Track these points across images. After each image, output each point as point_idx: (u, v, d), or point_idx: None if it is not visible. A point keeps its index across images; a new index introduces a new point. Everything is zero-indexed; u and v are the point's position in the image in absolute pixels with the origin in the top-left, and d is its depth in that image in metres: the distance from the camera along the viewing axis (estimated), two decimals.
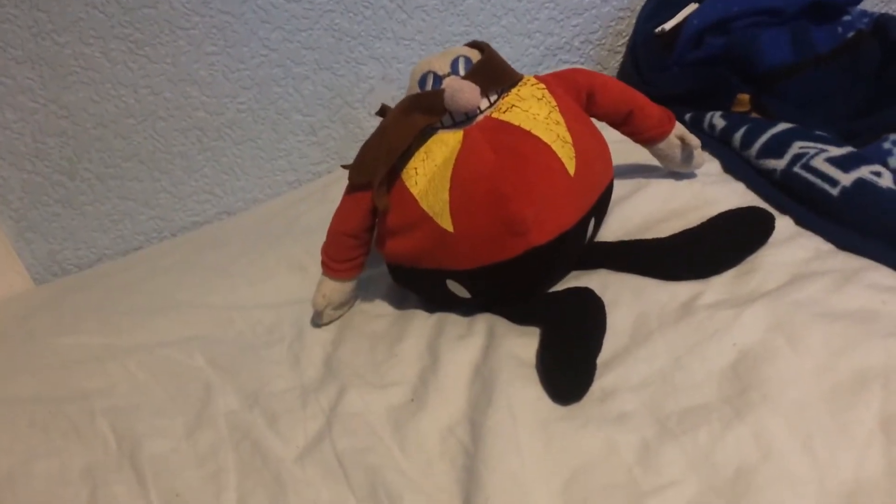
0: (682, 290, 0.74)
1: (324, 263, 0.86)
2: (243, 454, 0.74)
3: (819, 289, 0.70)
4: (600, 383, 0.68)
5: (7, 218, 1.13)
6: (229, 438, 0.77)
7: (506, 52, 1.21)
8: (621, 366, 0.69)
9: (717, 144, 0.97)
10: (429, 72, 0.78)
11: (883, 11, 1.12)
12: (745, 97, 1.03)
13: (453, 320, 0.81)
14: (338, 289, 0.86)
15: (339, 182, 0.88)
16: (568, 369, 0.69)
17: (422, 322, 0.83)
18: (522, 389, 0.68)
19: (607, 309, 0.74)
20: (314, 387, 0.80)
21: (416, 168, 0.77)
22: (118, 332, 0.99)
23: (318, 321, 0.89)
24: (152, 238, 1.21)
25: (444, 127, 0.78)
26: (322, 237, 0.87)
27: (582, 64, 1.30)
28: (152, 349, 0.94)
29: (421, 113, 0.77)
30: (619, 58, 1.32)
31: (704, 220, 0.82)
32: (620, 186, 0.90)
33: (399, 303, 0.88)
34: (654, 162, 0.92)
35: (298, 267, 1.01)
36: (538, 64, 1.27)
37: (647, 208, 0.88)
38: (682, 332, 0.69)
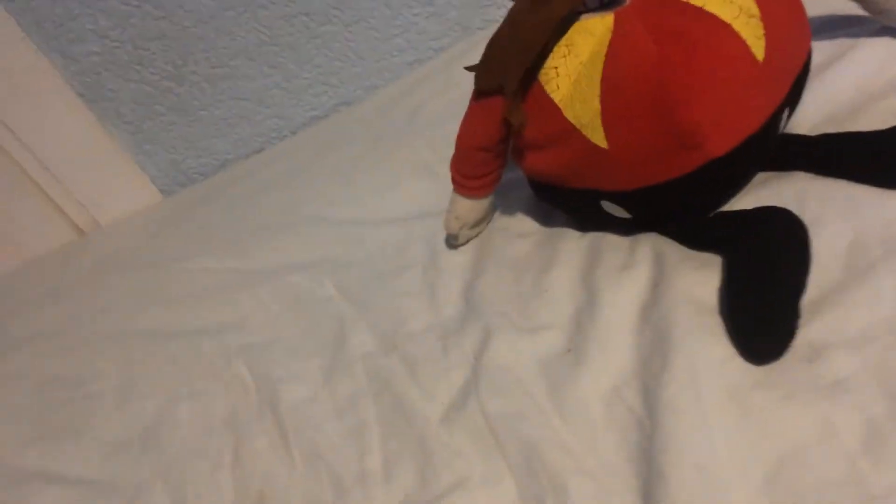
0: None
1: (454, 180, 0.74)
2: (384, 409, 0.68)
3: None
4: (806, 335, 0.54)
5: (123, 132, 1.08)
6: (369, 388, 0.70)
7: None
8: (834, 311, 0.54)
9: None
10: None
11: None
12: None
13: (611, 243, 0.68)
14: (473, 207, 0.75)
15: (463, 58, 0.73)
16: (762, 317, 0.55)
17: (573, 244, 0.71)
18: (705, 346, 0.55)
19: (810, 231, 0.59)
20: (455, 327, 0.71)
21: (556, 67, 0.62)
22: (245, 254, 0.94)
23: (452, 242, 0.79)
24: (272, 138, 1.13)
25: (588, 10, 0.61)
26: (448, 130, 0.74)
27: None
28: (281, 275, 0.88)
29: None
30: None
31: None
32: (818, 51, 0.71)
33: (544, 218, 0.76)
34: (861, 12, 0.71)
35: (425, 169, 0.91)
36: None
37: (855, 81, 0.68)
38: None
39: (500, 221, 0.79)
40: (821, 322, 0.54)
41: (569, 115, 0.61)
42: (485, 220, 0.78)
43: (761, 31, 0.57)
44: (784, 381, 0.52)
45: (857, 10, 0.71)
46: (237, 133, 1.11)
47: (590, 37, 0.60)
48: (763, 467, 0.49)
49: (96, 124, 1.06)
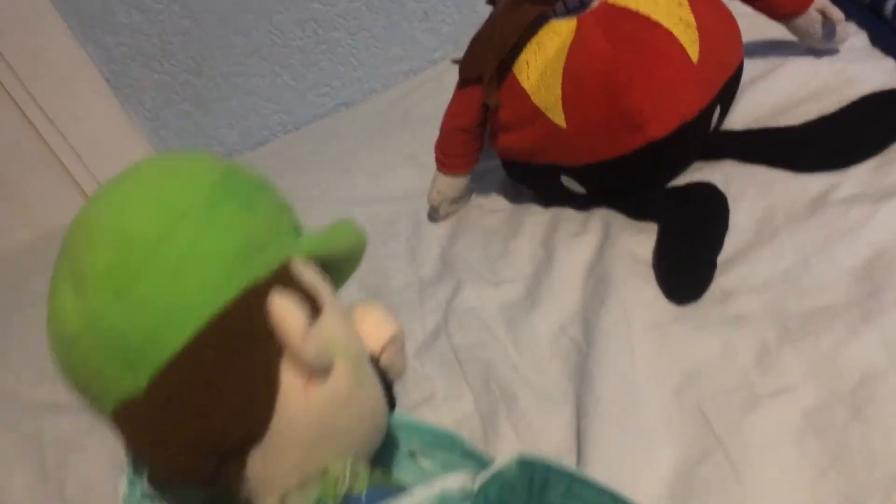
0: (814, 183, 0.69)
1: (437, 159, 0.86)
2: None
3: None
4: (720, 283, 0.65)
5: (142, 117, 1.19)
6: None
7: None
8: (743, 265, 0.66)
9: (865, 13, 0.87)
10: None
11: None
12: None
13: (568, 216, 0.80)
14: (452, 184, 0.87)
15: (454, 69, 0.87)
16: (685, 268, 0.67)
17: (536, 218, 0.82)
18: (637, 289, 0.67)
19: (731, 204, 0.71)
20: (431, 281, 0.82)
21: (527, 61, 0.74)
22: None
23: (434, 216, 0.90)
24: (277, 132, 1.25)
25: (556, 15, 0.74)
26: (436, 128, 0.86)
27: None
28: None
29: (531, 2, 0.73)
30: None
31: (845, 103, 0.75)
32: (752, 66, 0.84)
33: (513, 197, 0.88)
34: (791, 37, 0.84)
35: (414, 159, 1.02)
36: None
37: (781, 90, 0.81)
38: (812, 229, 0.65)
39: (476, 200, 0.91)
40: (732, 273, 0.66)
41: (536, 99, 0.73)
42: (462, 198, 0.90)
43: (696, 38, 0.70)
44: (698, 317, 0.63)
45: (787, 35, 0.84)
46: (246, 125, 1.23)
47: (556, 36, 0.73)
48: (674, 379, 0.60)
49: (119, 108, 1.18)
